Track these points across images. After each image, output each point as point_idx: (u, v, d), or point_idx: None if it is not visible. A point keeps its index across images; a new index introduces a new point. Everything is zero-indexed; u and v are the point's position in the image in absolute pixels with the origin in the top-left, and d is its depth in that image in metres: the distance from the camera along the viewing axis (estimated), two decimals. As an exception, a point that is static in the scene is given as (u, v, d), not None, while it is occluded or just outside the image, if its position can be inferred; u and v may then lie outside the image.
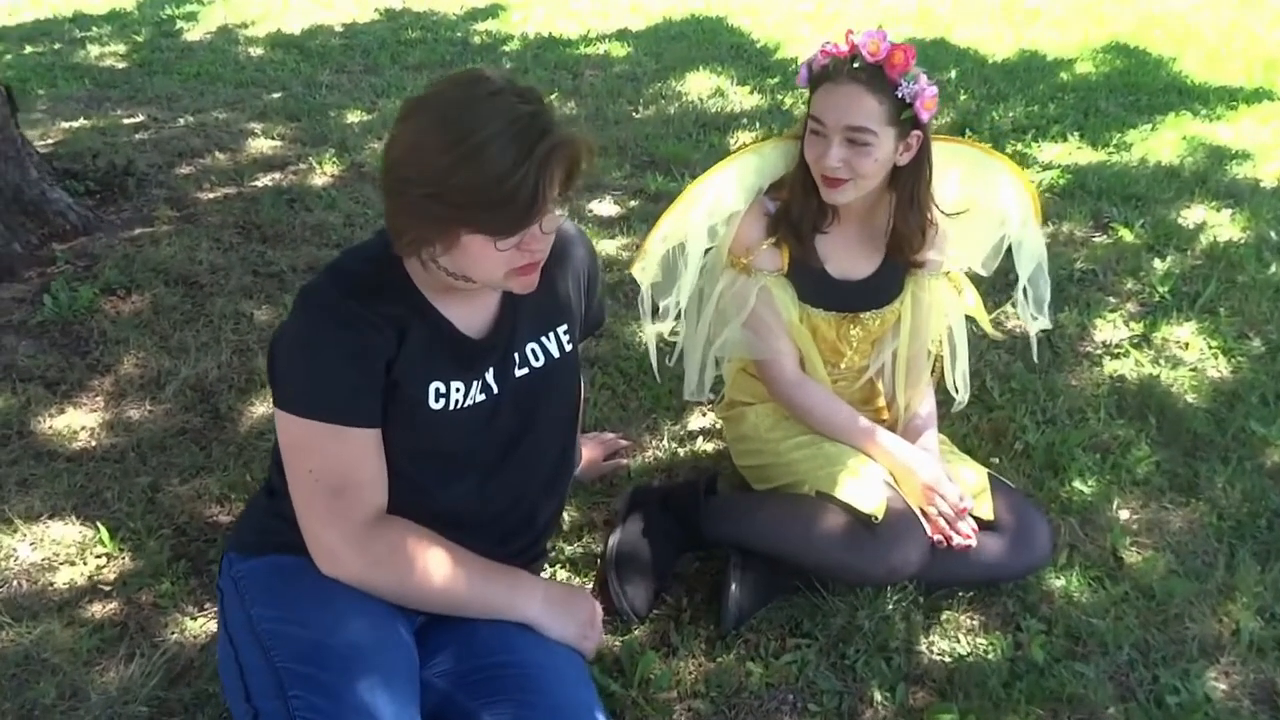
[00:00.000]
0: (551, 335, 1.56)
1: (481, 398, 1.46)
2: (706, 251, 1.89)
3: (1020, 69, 5.20)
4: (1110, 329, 2.81)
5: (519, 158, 1.22)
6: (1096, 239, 3.34)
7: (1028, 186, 1.93)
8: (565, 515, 2.05)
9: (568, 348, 1.58)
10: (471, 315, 1.46)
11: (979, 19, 6.21)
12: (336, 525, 1.38)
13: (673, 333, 2.01)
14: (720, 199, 1.86)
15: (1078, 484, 2.19)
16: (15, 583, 1.87)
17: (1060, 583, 1.93)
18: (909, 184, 1.79)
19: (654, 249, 1.88)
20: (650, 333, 1.98)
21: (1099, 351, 2.70)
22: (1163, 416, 2.41)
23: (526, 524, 1.60)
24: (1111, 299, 2.96)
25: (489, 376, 1.47)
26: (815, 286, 1.88)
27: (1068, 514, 2.11)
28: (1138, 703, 1.70)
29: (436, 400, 1.42)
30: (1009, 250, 1.99)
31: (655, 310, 1.93)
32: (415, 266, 1.40)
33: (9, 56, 5.51)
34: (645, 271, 1.90)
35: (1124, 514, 2.13)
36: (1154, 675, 1.75)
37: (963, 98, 4.72)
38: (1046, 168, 3.87)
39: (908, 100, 1.68)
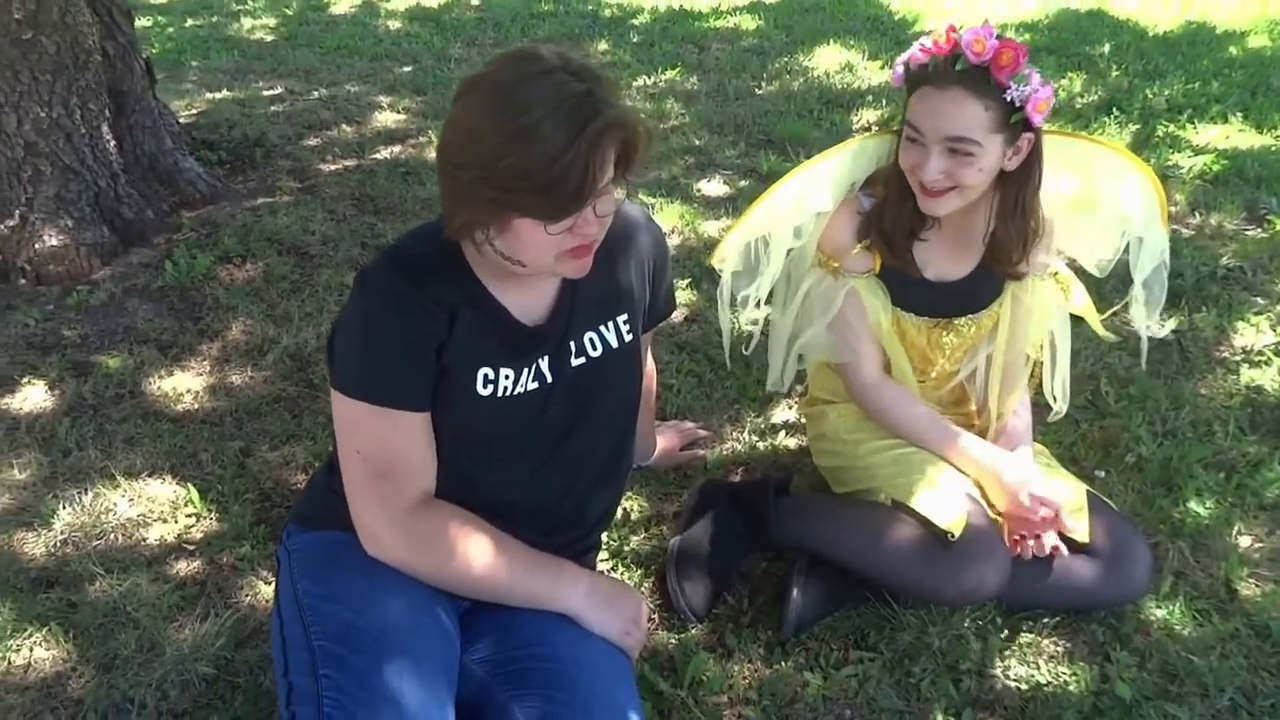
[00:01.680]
0: (611, 325, 1.51)
1: (534, 386, 1.44)
2: (789, 251, 1.80)
3: (1183, 42, 4.80)
4: (1252, 333, 2.55)
5: (570, 138, 1.17)
6: (1249, 232, 3.04)
7: (1155, 186, 1.75)
8: (635, 506, 2.01)
9: (628, 338, 1.53)
10: (528, 302, 1.43)
11: (1142, -13, 5.78)
12: (381, 508, 1.39)
13: (752, 321, 1.94)
14: (806, 198, 1.76)
15: (1194, 504, 2.00)
16: (112, 535, 1.98)
17: (1161, 612, 1.77)
18: (1015, 189, 1.64)
19: (734, 245, 1.81)
20: (725, 321, 1.92)
21: (1236, 358, 2.46)
22: (1303, 435, 2.18)
23: (576, 517, 1.57)
24: (1259, 300, 2.69)
25: (543, 365, 1.44)
26: (906, 289, 1.77)
27: (1178, 537, 1.93)
28: (1236, 754, 1.55)
29: (484, 386, 1.39)
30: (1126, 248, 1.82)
31: (733, 300, 1.87)
32: (471, 250, 1.38)
33: (171, 30, 5.83)
34: (725, 263, 1.84)
35: (1244, 541, 1.93)
36: (1259, 725, 1.59)
37: (1114, 74, 4.39)
38: (1200, 152, 3.55)
39: (1018, 104, 1.53)
